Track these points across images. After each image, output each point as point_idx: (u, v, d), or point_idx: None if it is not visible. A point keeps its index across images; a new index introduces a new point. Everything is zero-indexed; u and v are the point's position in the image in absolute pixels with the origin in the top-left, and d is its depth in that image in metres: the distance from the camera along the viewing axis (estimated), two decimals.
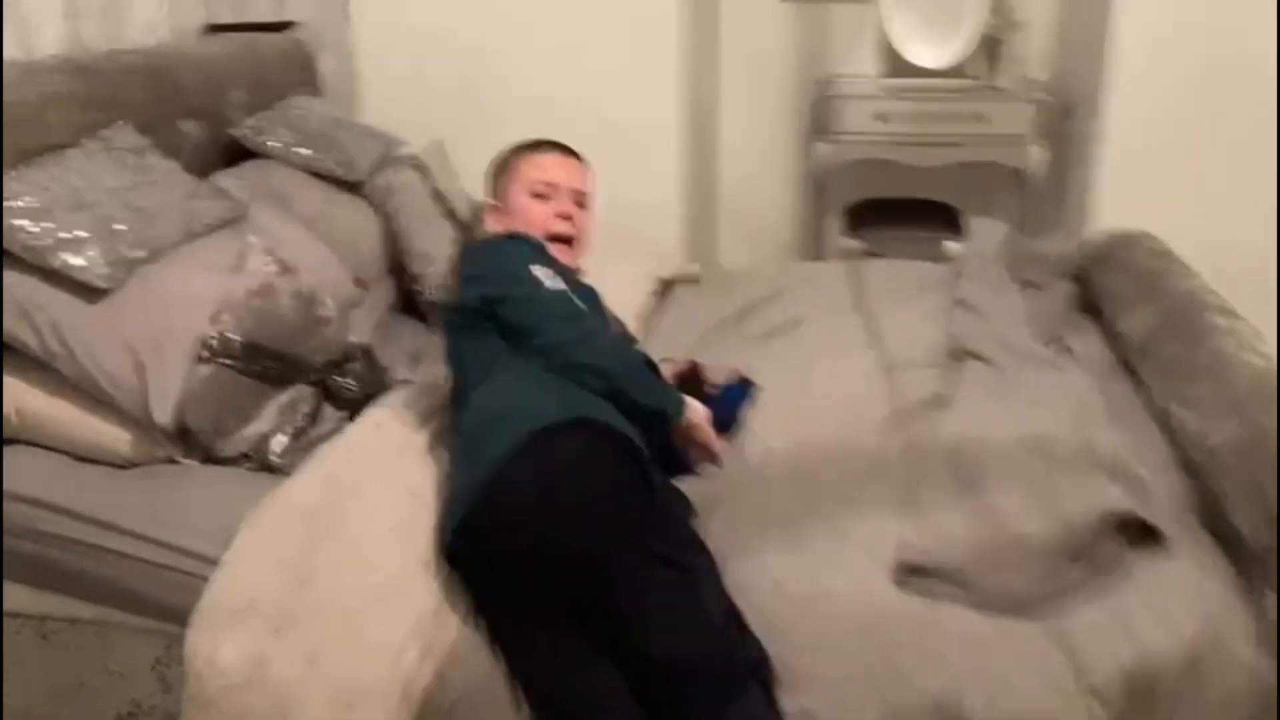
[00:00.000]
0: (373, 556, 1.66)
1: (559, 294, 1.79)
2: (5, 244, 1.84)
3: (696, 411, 1.88)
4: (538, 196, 2.00)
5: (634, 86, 3.71)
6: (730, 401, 2.05)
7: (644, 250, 3.76)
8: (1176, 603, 1.50)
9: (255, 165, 2.56)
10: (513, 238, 1.92)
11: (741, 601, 1.56)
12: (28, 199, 1.87)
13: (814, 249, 4.54)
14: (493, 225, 2.04)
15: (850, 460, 1.84)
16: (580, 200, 2.04)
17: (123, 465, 1.92)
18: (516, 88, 3.75)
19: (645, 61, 3.68)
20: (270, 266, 2.08)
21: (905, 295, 2.54)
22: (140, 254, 1.93)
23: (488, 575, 1.56)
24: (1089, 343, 2.34)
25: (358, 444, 1.90)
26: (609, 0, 3.64)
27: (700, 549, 1.60)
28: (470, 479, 1.60)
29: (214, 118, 2.59)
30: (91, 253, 1.86)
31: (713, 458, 1.88)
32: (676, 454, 1.89)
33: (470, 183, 3.48)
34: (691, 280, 2.88)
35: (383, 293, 2.68)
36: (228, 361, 1.94)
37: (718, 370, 2.17)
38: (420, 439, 1.89)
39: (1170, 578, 1.55)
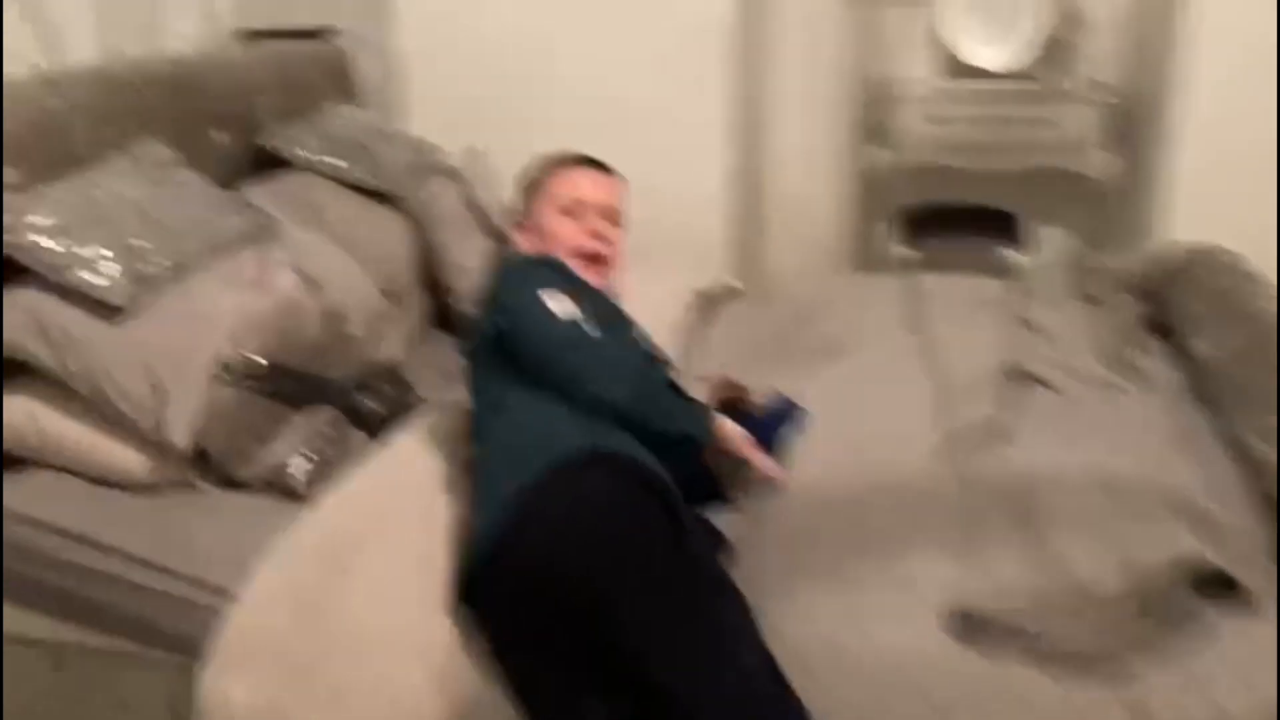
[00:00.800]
0: (392, 596, 1.57)
1: (568, 323, 1.69)
2: (25, 261, 1.79)
3: (728, 427, 1.78)
4: (567, 214, 1.90)
5: (681, 89, 3.61)
6: (773, 426, 1.93)
7: (688, 258, 3.68)
8: (1260, 663, 1.37)
9: (286, 176, 2.49)
10: (531, 262, 1.83)
11: (780, 651, 1.45)
12: (48, 215, 1.81)
13: (866, 257, 4.41)
14: (521, 244, 1.95)
15: (901, 494, 1.72)
16: (612, 217, 1.95)
17: (140, 489, 1.85)
18: (562, 92, 3.67)
19: (693, 64, 3.58)
20: (295, 283, 2.01)
21: (962, 312, 2.41)
22: (160, 271, 1.86)
23: (504, 619, 1.48)
24: (1158, 365, 2.19)
25: (380, 472, 1.82)
26: (659, 3, 3.55)
27: (733, 594, 1.49)
28: (487, 518, 1.53)
29: (245, 127, 2.53)
30: (109, 270, 1.80)
31: (766, 477, 1.77)
32: (710, 483, 1.79)
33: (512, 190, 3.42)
34: (734, 294, 2.75)
35: (415, 306, 2.60)
36: (248, 382, 1.86)
37: (761, 392, 2.06)
38: (444, 467, 1.80)
39: (1252, 635, 1.41)
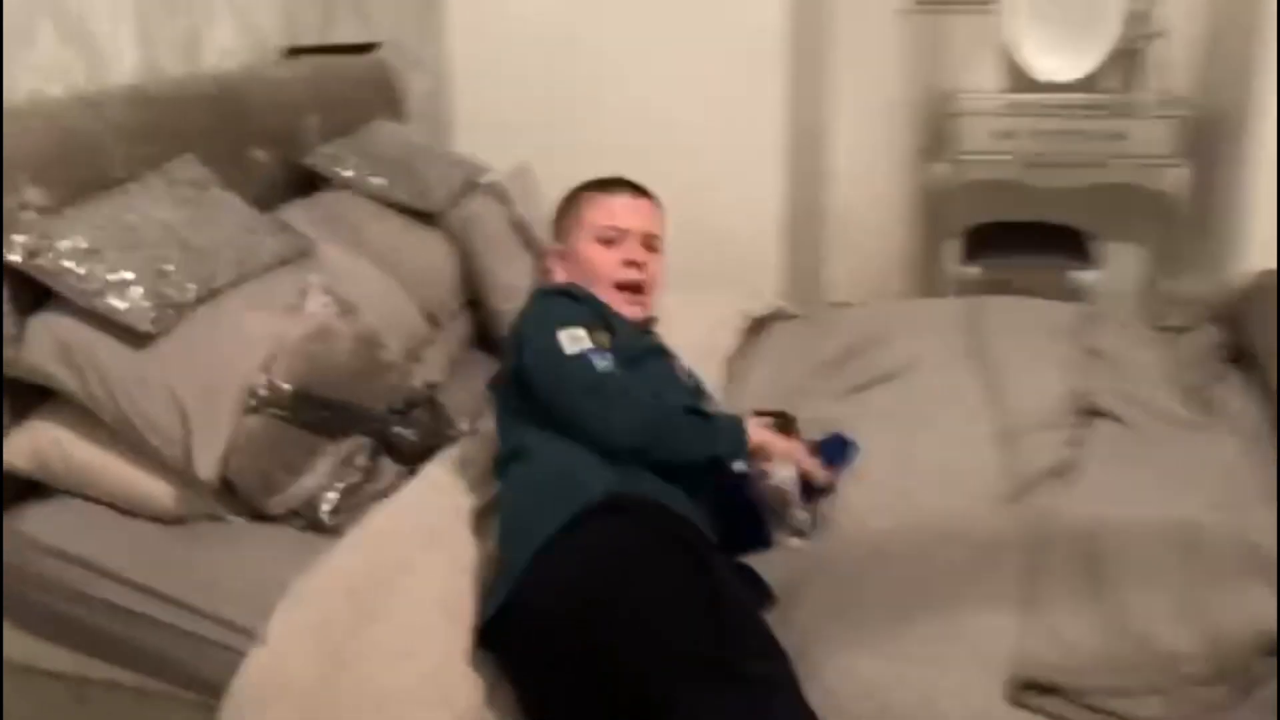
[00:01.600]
0: (416, 641, 1.51)
1: (580, 364, 1.61)
2: (52, 285, 1.74)
3: (763, 435, 1.71)
4: (605, 243, 1.82)
5: (736, 105, 3.53)
6: (829, 461, 1.84)
7: (742, 279, 3.59)
8: None
9: (327, 195, 2.44)
10: (557, 295, 1.75)
11: (826, 709, 1.36)
12: (77, 239, 1.76)
13: (929, 275, 4.28)
14: (558, 274, 1.87)
15: (960, 543, 1.61)
16: (651, 244, 1.86)
17: (168, 521, 1.80)
18: (612, 105, 3.61)
19: (748, 79, 3.50)
20: (330, 307, 1.95)
21: (1028, 340, 2.29)
22: (189, 296, 1.81)
23: (526, 668, 1.42)
24: (1239, 401, 2.05)
25: (411, 507, 1.75)
26: (713, 14, 3.47)
27: (773, 650, 1.39)
28: (508, 567, 1.48)
29: (288, 145, 2.49)
30: (136, 295, 1.75)
31: (818, 479, 1.72)
32: (757, 522, 1.70)
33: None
34: (787, 318, 2.65)
35: (459, 328, 2.54)
36: (278, 411, 1.80)
37: (812, 424, 1.96)
38: (473, 502, 1.73)
39: None
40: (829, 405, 2.07)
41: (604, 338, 1.63)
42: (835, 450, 1.85)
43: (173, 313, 1.78)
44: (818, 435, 1.93)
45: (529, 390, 1.64)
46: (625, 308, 1.78)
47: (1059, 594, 1.46)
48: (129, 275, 1.76)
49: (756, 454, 1.70)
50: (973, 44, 4.04)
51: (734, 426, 1.70)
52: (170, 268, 1.82)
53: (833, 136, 4.37)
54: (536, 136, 3.65)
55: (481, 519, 1.69)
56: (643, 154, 3.59)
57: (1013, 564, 1.56)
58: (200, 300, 1.84)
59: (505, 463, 1.68)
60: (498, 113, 3.70)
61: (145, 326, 1.74)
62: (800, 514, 1.72)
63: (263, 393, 1.79)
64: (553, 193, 3.48)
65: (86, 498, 1.82)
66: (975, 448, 1.87)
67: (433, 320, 2.40)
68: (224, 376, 1.79)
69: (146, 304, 1.75)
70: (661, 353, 1.80)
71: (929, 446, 1.87)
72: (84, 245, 1.76)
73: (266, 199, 2.39)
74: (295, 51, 2.83)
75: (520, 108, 3.67)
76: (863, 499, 1.74)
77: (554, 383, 1.61)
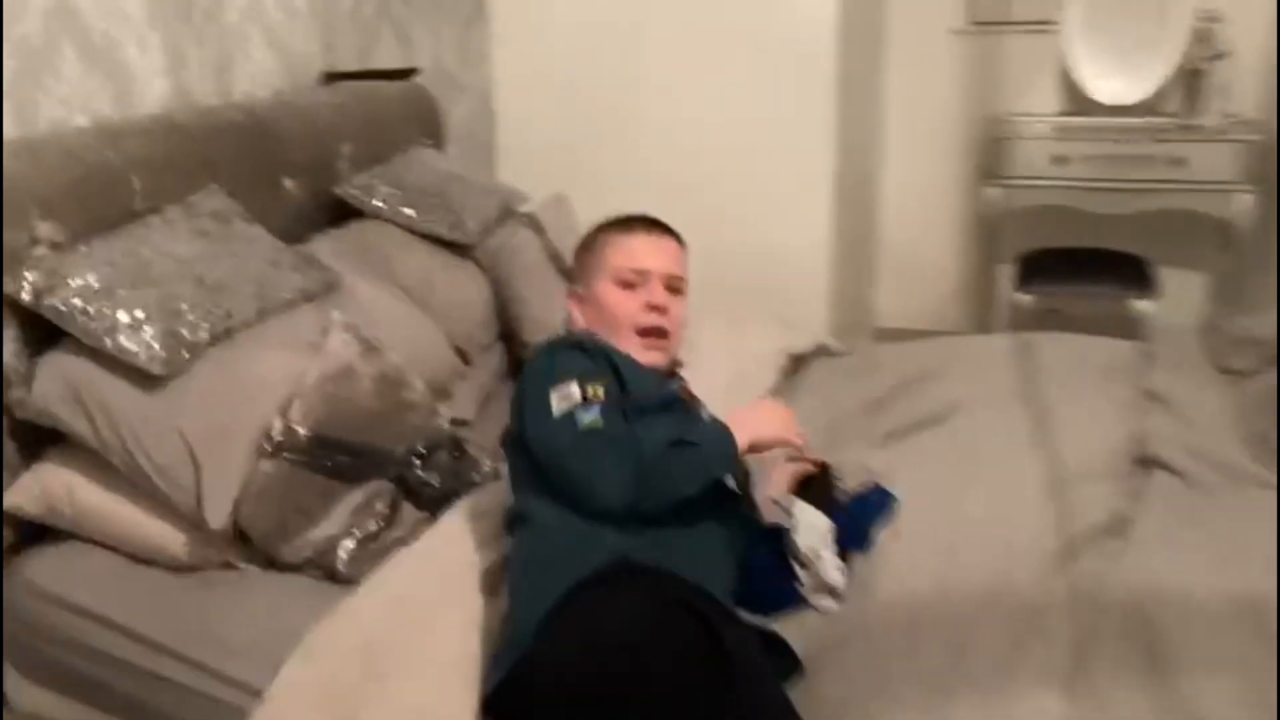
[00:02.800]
0: (425, 704, 1.43)
1: (563, 425, 1.51)
2: (62, 324, 1.70)
3: (745, 427, 1.59)
4: (624, 285, 1.74)
5: (784, 129, 3.44)
6: (863, 516, 1.74)
7: (790, 308, 3.50)
8: None
9: (357, 226, 2.39)
10: (559, 347, 1.66)
11: None
12: (88, 276, 1.72)
13: (982, 302, 4.16)
14: (577, 318, 1.79)
15: (1007, 609, 1.51)
16: (674, 285, 1.77)
17: (179, 569, 1.74)
18: (659, 130, 3.53)
19: (799, 98, 3.40)
20: (351, 346, 1.89)
21: (1082, 381, 2.17)
22: (203, 336, 1.76)
23: None
24: None
25: (426, 560, 1.68)
26: (762, 34, 3.38)
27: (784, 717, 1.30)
28: (512, 637, 1.42)
29: (321, 174, 2.44)
30: (147, 336, 1.70)
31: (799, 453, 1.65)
32: (778, 580, 1.61)
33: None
34: (831, 354, 2.54)
35: (491, 362, 2.47)
36: (294, 456, 1.74)
37: (849, 472, 1.87)
38: (491, 557, 1.66)
39: None
40: (869, 451, 1.96)
41: (599, 389, 1.54)
42: (874, 503, 1.76)
43: (185, 354, 1.73)
44: (857, 486, 1.84)
45: (528, 453, 1.57)
46: (645, 354, 1.69)
47: (1112, 673, 1.36)
48: (140, 315, 1.71)
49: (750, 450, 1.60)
50: (1029, 65, 3.92)
51: (719, 440, 1.57)
52: (184, 306, 1.76)
53: (884, 159, 4.28)
54: (580, 161, 3.60)
55: (497, 575, 1.62)
56: (689, 178, 3.54)
57: (1062, 636, 1.45)
58: (215, 340, 1.78)
59: (511, 524, 1.61)
60: (541, 138, 3.65)
61: (155, 369, 1.69)
62: (833, 571, 1.63)
63: (278, 437, 1.73)
64: (592, 221, 3.45)
65: (96, 543, 1.77)
66: (1024, 500, 1.76)
67: (463, 355, 2.34)
68: (237, 420, 1.73)
69: (157, 345, 1.70)
70: (683, 401, 1.71)
71: (974, 499, 1.77)
72: (95, 284, 1.72)
73: (297, 230, 2.35)
74: (333, 77, 2.79)
75: (564, 132, 3.61)
76: (902, 556, 1.64)
77: (543, 447, 1.53)
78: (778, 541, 1.69)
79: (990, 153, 3.81)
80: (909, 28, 4.07)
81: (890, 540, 1.68)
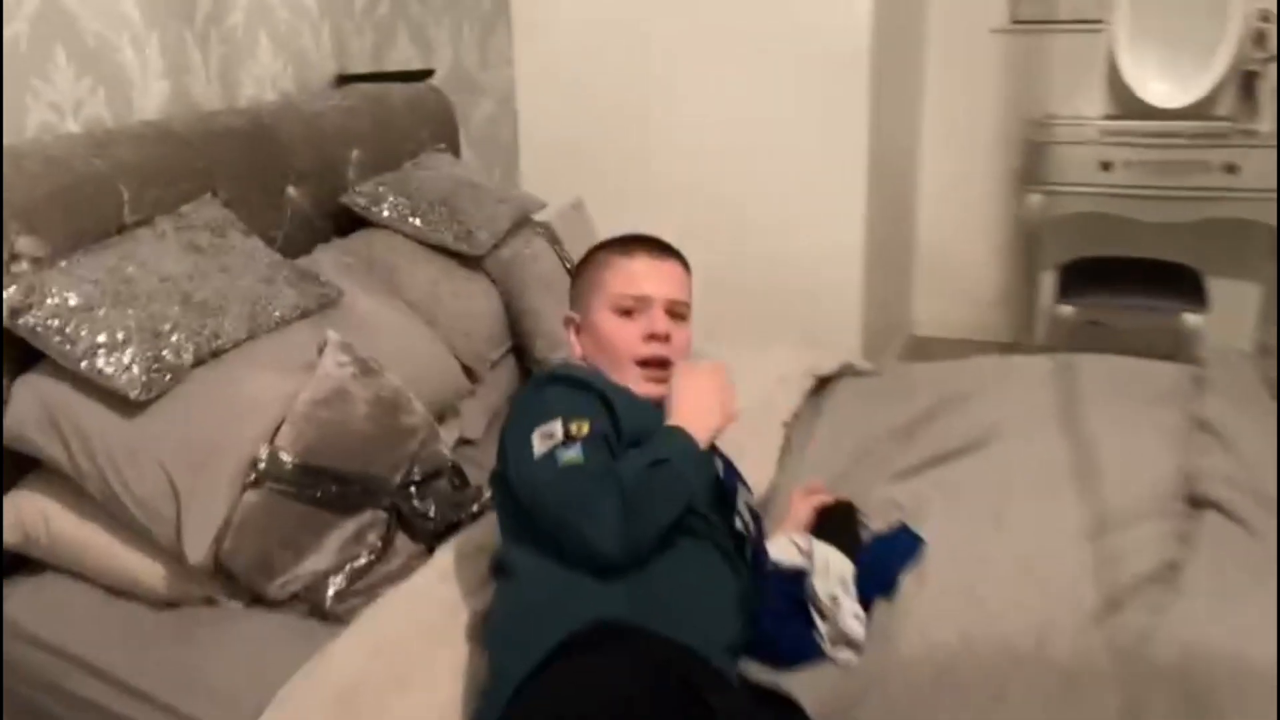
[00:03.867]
0: None
1: (543, 467, 1.40)
2: (37, 344, 1.61)
3: (694, 420, 1.49)
4: (623, 313, 1.62)
5: (816, 132, 3.31)
6: (887, 558, 1.62)
7: (823, 310, 3.37)
8: None
9: (364, 236, 2.29)
10: (551, 382, 1.54)
11: None
12: (66, 294, 1.63)
13: (1021, 313, 4.01)
14: (574, 347, 1.68)
15: (1043, 668, 1.38)
16: (678, 311, 1.65)
17: (159, 604, 1.65)
18: (686, 132, 3.42)
19: (830, 105, 3.27)
20: (347, 367, 1.78)
21: (1128, 409, 2.02)
22: (186, 359, 1.66)
23: None
24: None
25: (416, 599, 1.58)
26: (793, 32, 3.26)
27: None
28: (491, 694, 1.32)
29: (327, 182, 2.34)
30: (126, 358, 1.60)
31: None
32: (792, 631, 1.49)
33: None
34: (857, 374, 2.41)
35: (502, 379, 2.36)
36: (281, 486, 1.64)
37: (878, 506, 1.75)
38: (486, 596, 1.55)
39: None
40: (895, 483, 1.84)
41: (583, 424, 1.43)
42: (900, 546, 1.63)
43: (167, 377, 1.63)
44: (880, 525, 1.72)
45: (513, 497, 1.46)
46: (646, 387, 1.57)
47: None
48: (120, 335, 1.62)
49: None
50: (1074, 66, 3.77)
51: (683, 448, 1.45)
52: (167, 326, 1.67)
53: (921, 163, 4.14)
54: (605, 165, 3.49)
55: (482, 621, 1.51)
56: (718, 182, 3.42)
57: (1101, 698, 1.32)
58: (200, 362, 1.69)
59: (496, 571, 1.50)
60: (564, 141, 3.54)
61: (133, 393, 1.59)
62: (851, 620, 1.51)
63: (263, 465, 1.63)
64: (616, 226, 3.34)
65: (74, 574, 1.68)
66: (1062, 543, 1.62)
67: (471, 372, 2.23)
68: (222, 447, 1.63)
69: (136, 368, 1.60)
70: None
71: (1008, 540, 1.63)
72: (73, 301, 1.62)
73: (301, 240, 2.26)
74: (345, 80, 2.69)
75: (588, 135, 3.51)
76: (926, 604, 1.51)
77: (525, 491, 1.43)
78: (794, 585, 1.58)
79: (1032, 157, 3.66)
80: (948, 26, 3.93)
81: (914, 585, 1.55)
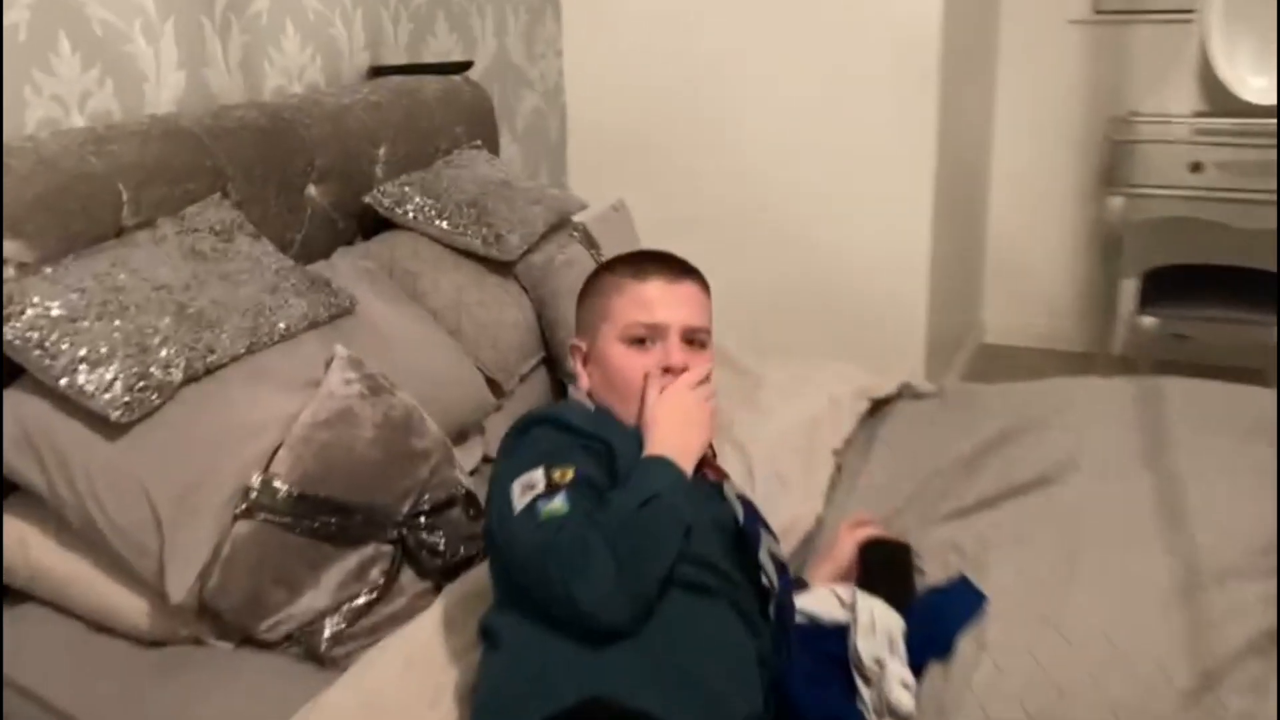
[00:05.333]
0: None
1: (524, 521, 1.25)
2: (17, 359, 1.48)
3: (673, 446, 1.34)
4: (634, 342, 1.45)
5: (881, 130, 3.12)
6: (943, 615, 1.44)
7: (888, 316, 3.18)
8: None
9: (387, 239, 2.15)
10: (537, 424, 1.39)
11: None
12: (51, 304, 1.50)
13: (1099, 322, 3.78)
14: (582, 379, 1.51)
15: None
16: (694, 338, 1.47)
17: (143, 642, 1.52)
18: (741, 127, 3.24)
19: (895, 101, 3.08)
20: (354, 385, 1.64)
21: (1222, 444, 1.81)
22: (175, 376, 1.52)
23: None
24: None
25: (414, 649, 1.42)
26: (857, 23, 3.07)
27: None
28: None
29: (352, 181, 2.20)
30: (109, 374, 1.47)
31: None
32: (827, 700, 1.32)
33: (667, 245, 3.00)
34: (917, 396, 2.21)
35: (532, 394, 2.20)
36: (273, 517, 1.50)
37: (936, 549, 1.56)
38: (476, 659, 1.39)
39: None
40: (953, 524, 1.66)
41: (568, 471, 1.27)
42: (958, 602, 1.45)
43: (153, 396, 1.49)
44: (937, 575, 1.53)
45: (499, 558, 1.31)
46: None
47: None
48: (104, 350, 1.48)
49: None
50: (1161, 59, 3.53)
51: (670, 481, 1.29)
52: (157, 340, 1.53)
53: (993, 163, 3.92)
54: (657, 162, 3.33)
55: (473, 694, 1.35)
56: (772, 179, 3.24)
57: None
58: (191, 379, 1.55)
59: (483, 636, 1.34)
60: (615, 137, 3.38)
61: (115, 413, 1.46)
62: (898, 688, 1.33)
63: (255, 494, 1.50)
64: (664, 228, 3.17)
65: (57, 607, 1.56)
66: (1145, 605, 1.43)
67: (497, 386, 2.08)
68: (209, 474, 1.50)
69: (119, 386, 1.47)
70: (695, 485, 1.39)
71: (1083, 598, 1.44)
72: (55, 312, 1.49)
73: (320, 242, 2.13)
74: (378, 72, 2.56)
75: (639, 131, 3.34)
76: (988, 675, 1.33)
77: (507, 551, 1.28)
78: (833, 642, 1.40)
79: (1114, 157, 3.43)
80: (1024, 16, 3.71)
81: (973, 650, 1.37)
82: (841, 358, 3.13)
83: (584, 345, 1.51)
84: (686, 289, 1.47)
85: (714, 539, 1.32)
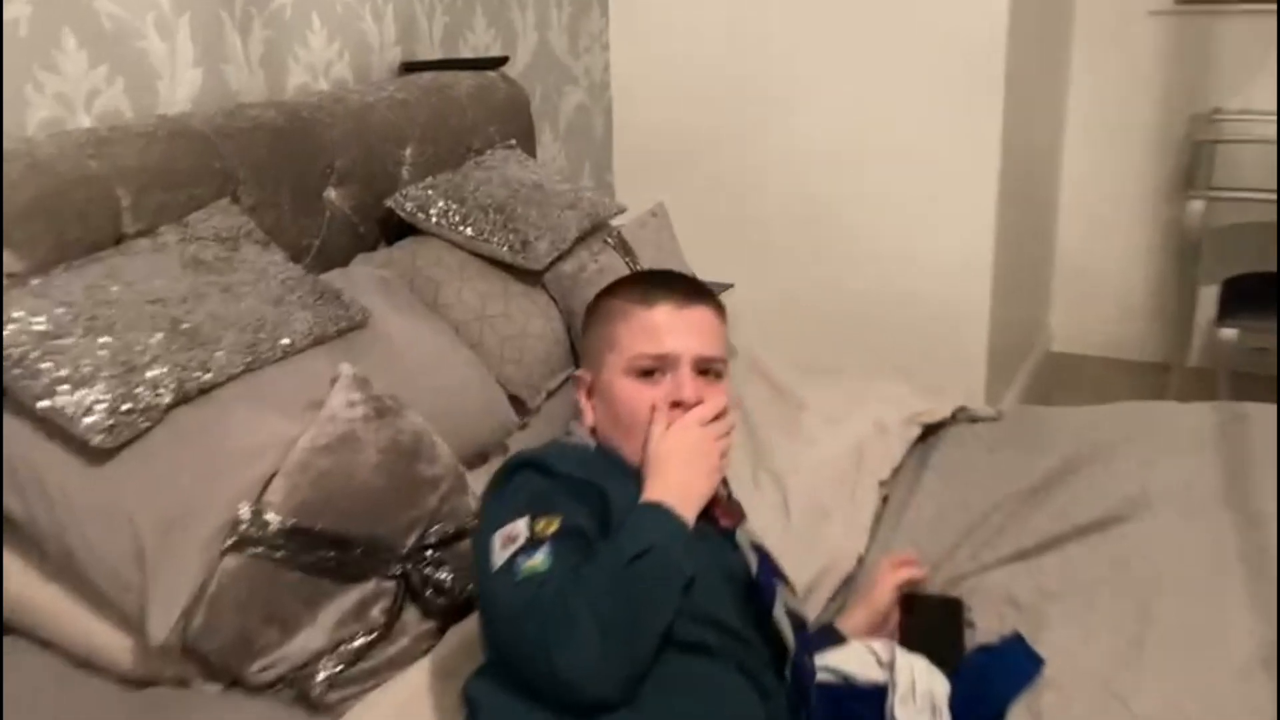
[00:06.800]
0: None
1: (502, 580, 1.14)
2: None
3: (673, 491, 1.20)
4: (642, 374, 1.32)
5: (942, 126, 2.95)
6: (995, 682, 1.29)
7: (949, 322, 3.03)
8: None
9: (409, 246, 2.04)
10: (521, 469, 1.27)
11: None
12: (35, 318, 1.40)
13: (1175, 332, 3.57)
14: (587, 412, 1.38)
15: None
16: (708, 368, 1.33)
17: (127, 681, 1.42)
18: (796, 124, 3.09)
19: (958, 91, 2.91)
20: (357, 408, 1.52)
21: None
22: (163, 398, 1.42)
23: None
24: None
25: (408, 701, 1.31)
26: (917, 21, 2.90)
27: None
28: None
29: (375, 184, 2.10)
30: (92, 396, 1.37)
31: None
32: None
33: (716, 250, 2.88)
34: (973, 420, 2.04)
35: (560, 411, 2.07)
36: (264, 551, 1.39)
37: (990, 599, 1.41)
38: None
39: None
40: (1009, 570, 1.50)
41: (553, 521, 1.15)
42: (1012, 664, 1.30)
43: (139, 419, 1.39)
44: (989, 627, 1.38)
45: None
46: None
47: None
48: (88, 368, 1.39)
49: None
50: (1248, 53, 3.31)
51: (666, 531, 1.17)
52: (146, 359, 1.43)
53: (1063, 164, 3.72)
54: (706, 163, 3.20)
55: None
56: (828, 182, 3.08)
57: None
58: (182, 400, 1.44)
59: (464, 698, 1.22)
60: (663, 132, 3.25)
61: (95, 438, 1.35)
62: None
63: (245, 526, 1.39)
64: (711, 231, 3.03)
65: (40, 640, 1.46)
66: (1228, 672, 1.26)
67: (520, 403, 1.96)
68: (199, 504, 1.39)
69: (103, 408, 1.37)
70: (701, 532, 1.25)
71: (1155, 663, 1.28)
72: (38, 327, 1.40)
73: (341, 250, 2.03)
74: (411, 68, 2.45)
75: (690, 129, 3.20)
76: None
77: (487, 612, 1.18)
78: (866, 705, 1.26)
79: (1195, 157, 3.23)
80: (1099, 7, 3.51)
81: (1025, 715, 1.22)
82: (899, 367, 2.99)
83: (588, 377, 1.38)
84: (698, 314, 1.34)
85: (723, 592, 1.19)
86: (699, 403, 1.28)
